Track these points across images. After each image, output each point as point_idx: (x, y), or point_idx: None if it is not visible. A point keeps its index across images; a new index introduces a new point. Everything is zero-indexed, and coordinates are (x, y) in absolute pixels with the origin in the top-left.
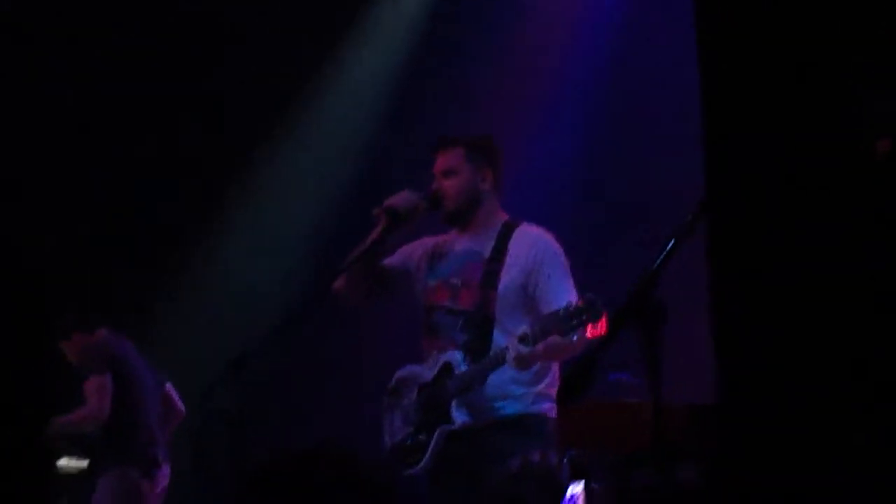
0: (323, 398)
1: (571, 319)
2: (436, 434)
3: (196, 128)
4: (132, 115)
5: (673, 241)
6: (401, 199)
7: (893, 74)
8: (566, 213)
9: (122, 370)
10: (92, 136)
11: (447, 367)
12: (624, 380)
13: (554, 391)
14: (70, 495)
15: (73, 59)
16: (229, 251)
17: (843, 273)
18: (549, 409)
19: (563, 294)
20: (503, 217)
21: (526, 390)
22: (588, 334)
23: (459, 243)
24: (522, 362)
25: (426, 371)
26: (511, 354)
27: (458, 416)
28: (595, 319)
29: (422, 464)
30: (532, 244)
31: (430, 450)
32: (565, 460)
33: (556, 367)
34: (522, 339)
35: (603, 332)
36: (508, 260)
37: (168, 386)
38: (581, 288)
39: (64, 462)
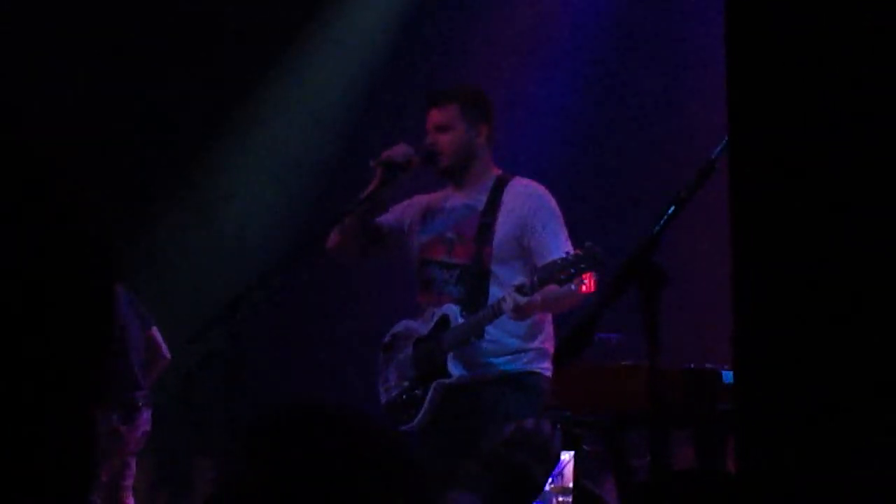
0: (315, 351)
1: (570, 268)
2: (431, 388)
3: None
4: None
5: (673, 207)
6: (397, 151)
7: None
8: (560, 167)
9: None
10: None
11: (444, 321)
12: (612, 340)
13: (551, 348)
14: None
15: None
16: (224, 193)
17: (863, 267)
18: (547, 367)
19: (558, 245)
20: (496, 172)
21: (523, 344)
22: (581, 290)
23: (453, 199)
24: (520, 312)
25: (422, 325)
26: (509, 304)
27: (455, 370)
28: (594, 268)
29: (417, 419)
30: (525, 197)
31: (425, 405)
32: (557, 427)
33: (550, 324)
34: (520, 289)
35: (592, 291)
36: (502, 213)
37: (154, 330)
38: (575, 242)
39: None
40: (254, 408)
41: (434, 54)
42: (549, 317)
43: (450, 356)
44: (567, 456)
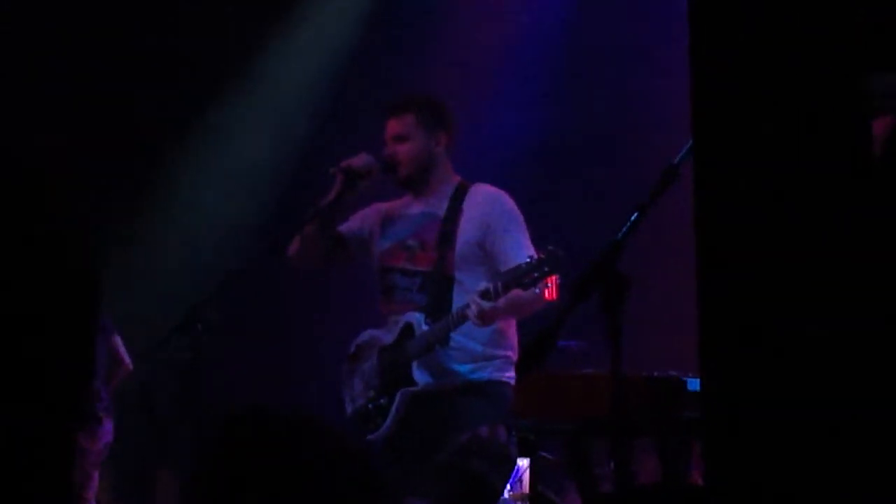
0: (278, 360)
1: (533, 272)
2: (397, 397)
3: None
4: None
5: (637, 213)
6: (357, 160)
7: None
8: (523, 173)
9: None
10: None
11: (408, 329)
12: (572, 347)
13: (515, 356)
14: None
15: None
16: (186, 202)
17: (836, 270)
18: (511, 376)
19: (521, 249)
20: (456, 179)
21: (488, 351)
22: (544, 296)
23: (414, 206)
24: (485, 318)
25: (386, 334)
26: (473, 310)
27: (420, 378)
28: (557, 271)
29: (382, 429)
30: (486, 202)
31: (391, 414)
32: (514, 435)
33: (514, 332)
34: (484, 295)
35: (554, 298)
36: (463, 219)
37: (116, 339)
38: (536, 246)
39: None
40: (213, 418)
41: (396, 63)
42: (514, 324)
43: (415, 364)
44: (524, 462)
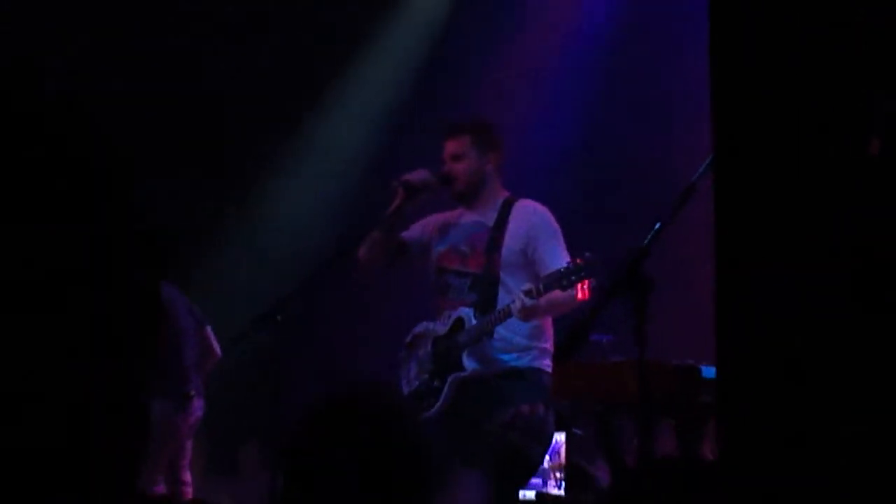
0: (345, 350)
1: (571, 275)
2: (448, 380)
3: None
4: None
5: (659, 224)
6: (416, 174)
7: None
8: (561, 189)
9: (163, 314)
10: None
11: (459, 322)
12: (604, 341)
13: (552, 348)
14: None
15: None
16: (270, 209)
17: (840, 270)
18: (548, 364)
19: (557, 257)
20: (504, 194)
21: (528, 343)
22: (577, 296)
23: (466, 216)
24: (527, 313)
25: (439, 326)
26: (517, 306)
27: (469, 364)
28: (593, 275)
29: (435, 408)
30: (529, 215)
31: (443, 395)
32: (552, 412)
33: (551, 327)
34: (528, 293)
35: (586, 298)
36: (509, 229)
37: (207, 330)
38: (572, 252)
39: None
40: (290, 399)
41: (454, 89)
42: (550, 320)
43: (464, 353)
44: (561, 437)
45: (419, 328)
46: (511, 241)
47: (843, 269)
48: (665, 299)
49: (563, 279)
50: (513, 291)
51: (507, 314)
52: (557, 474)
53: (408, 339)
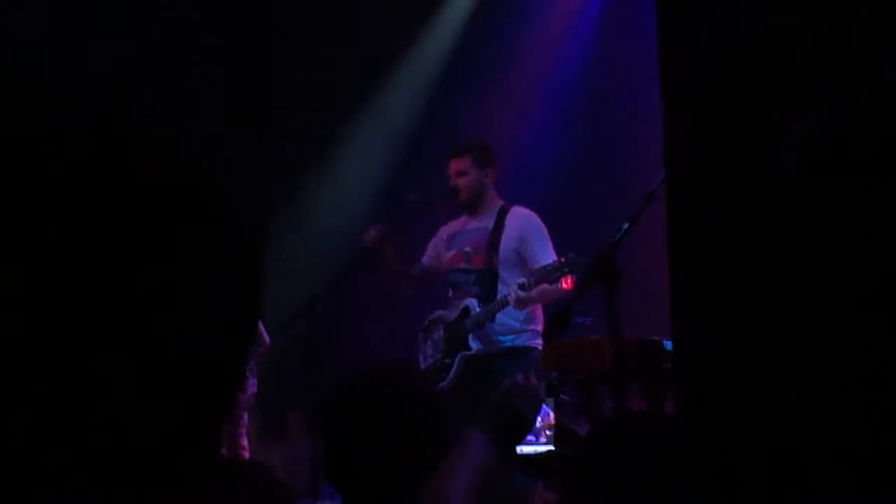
0: (373, 335)
1: (557, 271)
2: (457, 358)
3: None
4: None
5: (627, 224)
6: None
7: (805, 99)
8: (548, 196)
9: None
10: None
11: (466, 310)
12: (586, 323)
13: (541, 330)
14: None
15: None
16: (311, 209)
17: (782, 269)
18: (539, 343)
19: (546, 255)
20: (500, 202)
21: (523, 327)
22: (562, 287)
23: (469, 223)
24: (521, 303)
25: (450, 313)
26: (513, 297)
27: (474, 344)
28: (575, 272)
29: (447, 380)
30: (522, 220)
31: (453, 370)
32: (542, 381)
33: (541, 312)
34: (522, 286)
35: (570, 288)
36: (505, 232)
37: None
38: (559, 250)
39: None
40: (329, 375)
41: (455, 113)
42: (541, 307)
43: (471, 335)
44: (550, 402)
45: (433, 315)
46: (507, 242)
47: (766, 257)
48: (632, 287)
49: (550, 274)
50: (509, 284)
51: (505, 303)
52: (548, 432)
53: (424, 323)
